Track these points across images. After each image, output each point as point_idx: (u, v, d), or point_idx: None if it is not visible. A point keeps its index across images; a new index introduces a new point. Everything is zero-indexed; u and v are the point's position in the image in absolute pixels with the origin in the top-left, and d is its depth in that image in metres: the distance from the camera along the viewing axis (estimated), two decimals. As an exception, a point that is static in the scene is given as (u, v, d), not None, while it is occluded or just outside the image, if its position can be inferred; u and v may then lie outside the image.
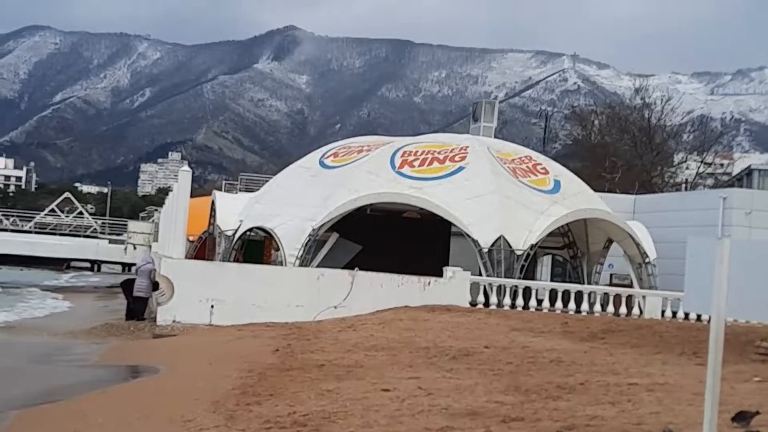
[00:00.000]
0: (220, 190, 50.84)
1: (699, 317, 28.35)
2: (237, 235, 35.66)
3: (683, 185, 78.42)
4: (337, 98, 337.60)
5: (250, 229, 35.87)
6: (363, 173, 34.47)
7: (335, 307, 29.23)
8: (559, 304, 31.90)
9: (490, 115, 45.16)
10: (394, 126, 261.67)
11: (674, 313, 30.80)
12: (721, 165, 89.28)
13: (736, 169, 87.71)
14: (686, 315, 30.29)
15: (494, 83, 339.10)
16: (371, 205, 34.33)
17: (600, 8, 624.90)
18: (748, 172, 74.73)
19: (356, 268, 30.39)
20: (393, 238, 35.86)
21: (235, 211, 36.77)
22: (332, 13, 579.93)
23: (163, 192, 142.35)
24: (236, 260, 35.36)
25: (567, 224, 35.72)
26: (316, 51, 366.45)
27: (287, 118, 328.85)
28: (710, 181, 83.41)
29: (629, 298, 32.84)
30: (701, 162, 79.93)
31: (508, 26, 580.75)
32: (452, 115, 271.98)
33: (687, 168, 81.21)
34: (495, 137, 43.77)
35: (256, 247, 38.49)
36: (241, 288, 29.54)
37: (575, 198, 35.58)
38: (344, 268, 31.56)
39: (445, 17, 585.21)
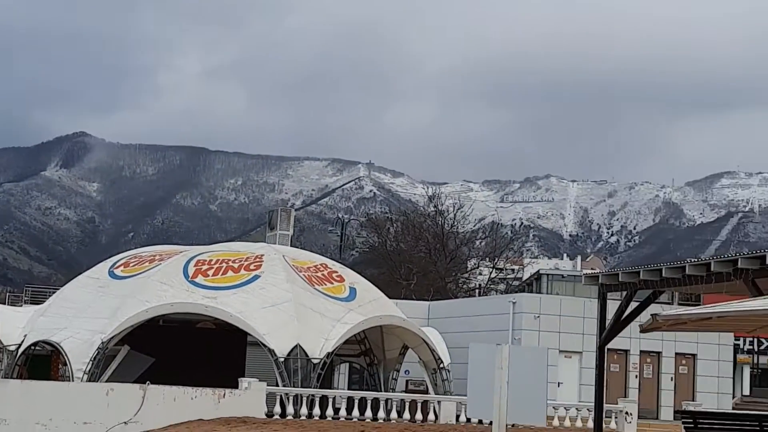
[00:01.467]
0: (3, 302, 48.81)
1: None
2: (21, 350, 34.05)
3: (476, 290, 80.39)
4: (129, 206, 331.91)
5: (35, 344, 34.31)
6: (155, 283, 33.70)
7: (126, 422, 28.16)
8: (356, 412, 31.75)
9: (286, 223, 45.26)
10: (189, 234, 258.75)
11: (468, 419, 31.11)
12: (512, 270, 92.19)
13: (526, 274, 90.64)
14: (470, 419, 30.59)
15: (291, 191, 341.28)
16: (163, 315, 33.54)
17: (394, 117, 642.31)
18: (537, 276, 77.34)
19: (147, 382, 29.47)
20: (187, 349, 35.07)
21: (18, 325, 35.15)
22: (124, 120, 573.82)
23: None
24: (20, 376, 33.68)
25: (363, 331, 35.82)
26: (107, 158, 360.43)
27: (77, 227, 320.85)
28: (502, 286, 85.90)
29: (425, 403, 33.03)
30: (493, 267, 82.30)
31: (304, 134, 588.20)
32: (249, 223, 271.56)
33: (480, 273, 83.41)
34: (292, 245, 43.84)
35: (41, 363, 36.81)
36: (25, 406, 28.10)
37: (370, 305, 35.79)
38: (136, 381, 30.54)
39: (241, 125, 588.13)
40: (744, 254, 22.54)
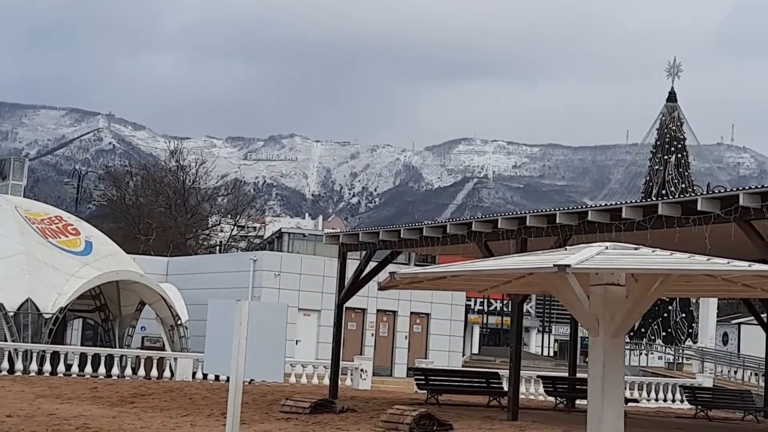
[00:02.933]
0: None
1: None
2: None
3: (217, 247, 79.91)
4: None
5: None
6: None
7: None
8: (89, 368, 30.98)
9: (20, 173, 43.55)
10: None
11: (205, 375, 30.98)
12: (254, 228, 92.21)
13: (268, 232, 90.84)
14: (207, 376, 30.48)
15: (25, 140, 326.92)
16: None
17: (136, 68, 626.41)
18: (279, 235, 77.65)
19: None
20: None
21: None
22: None
23: None
24: None
25: (99, 287, 34.92)
26: None
27: None
28: (243, 244, 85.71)
29: (161, 360, 32.62)
30: (234, 225, 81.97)
31: (42, 82, 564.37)
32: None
33: (221, 231, 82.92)
34: (25, 196, 42.14)
35: None
36: None
37: (107, 260, 34.93)
38: None
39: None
40: (478, 218, 23.46)
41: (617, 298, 8.49)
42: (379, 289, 9.50)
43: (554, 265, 7.76)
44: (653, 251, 8.54)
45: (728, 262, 8.16)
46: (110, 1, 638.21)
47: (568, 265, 7.71)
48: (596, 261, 8.09)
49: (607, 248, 8.49)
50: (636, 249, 8.62)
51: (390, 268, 25.02)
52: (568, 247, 9.05)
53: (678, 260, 8.32)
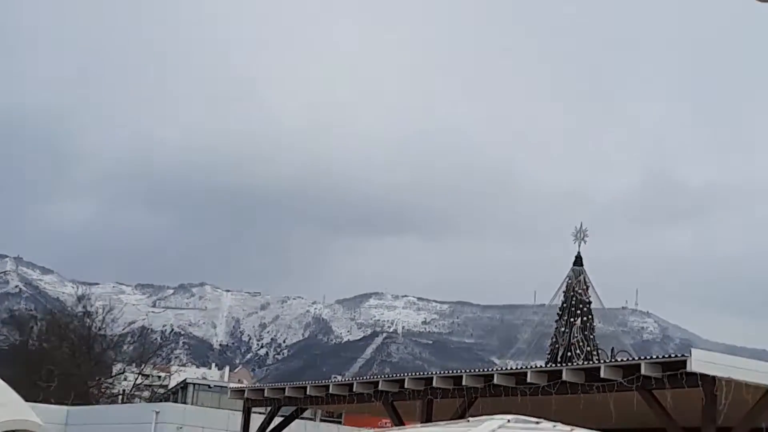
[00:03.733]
0: None
1: None
2: None
3: (120, 397, 78.18)
4: None
5: None
6: None
7: None
8: None
9: None
10: None
11: None
12: (159, 377, 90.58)
13: (173, 382, 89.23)
14: None
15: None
16: None
17: (47, 213, 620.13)
18: (184, 385, 76.32)
19: None
20: None
21: None
22: None
23: None
24: None
25: (-6, 436, 33.84)
26: None
27: None
28: (147, 393, 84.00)
29: None
30: (139, 374, 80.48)
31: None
32: None
33: (125, 379, 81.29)
34: None
35: None
36: None
37: (4, 408, 33.92)
38: None
39: None
40: (385, 377, 23.53)
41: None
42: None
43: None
44: (554, 426, 8.61)
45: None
46: (21, 146, 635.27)
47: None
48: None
49: (509, 421, 8.53)
50: (537, 423, 8.67)
51: (296, 423, 24.87)
52: (470, 419, 9.10)
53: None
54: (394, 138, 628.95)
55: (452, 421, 9.81)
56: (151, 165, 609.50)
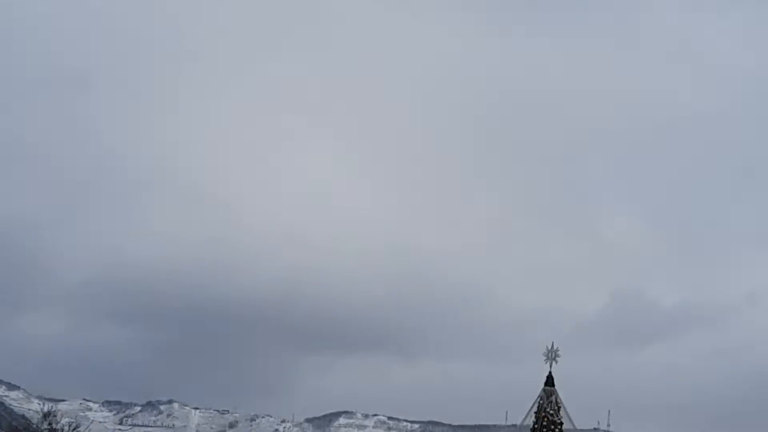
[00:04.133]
0: None
1: None
2: None
3: None
4: None
5: None
6: None
7: None
8: None
9: None
10: None
11: None
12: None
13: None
14: None
15: None
16: None
17: (13, 327, 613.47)
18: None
19: None
20: None
21: None
22: None
23: None
24: None
25: None
26: None
27: None
28: None
29: None
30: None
31: None
32: None
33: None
34: None
35: None
36: None
37: None
38: None
39: None
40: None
41: None
42: None
43: None
44: None
45: None
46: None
47: None
48: None
49: None
50: None
51: None
52: None
53: None
54: (365, 254, 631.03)
55: None
56: (120, 278, 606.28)
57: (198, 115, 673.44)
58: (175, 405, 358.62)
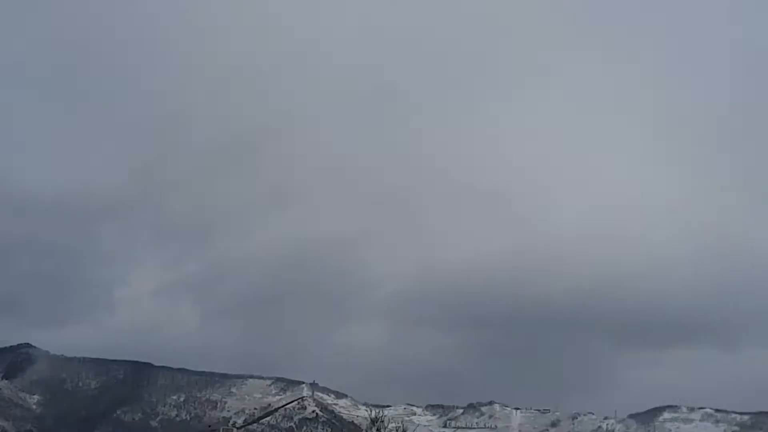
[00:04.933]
0: None
1: None
2: None
3: None
4: (69, 419, 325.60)
5: None
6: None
7: None
8: None
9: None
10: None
11: None
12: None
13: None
14: None
15: (233, 408, 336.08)
16: None
17: (340, 338, 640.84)
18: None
19: None
20: None
21: None
22: (73, 332, 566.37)
23: None
24: None
25: None
26: (50, 370, 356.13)
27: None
28: None
29: None
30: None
31: (251, 353, 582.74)
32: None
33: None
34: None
35: None
36: None
37: None
38: None
39: (189, 342, 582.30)
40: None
41: None
42: None
43: None
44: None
45: None
46: (315, 273, 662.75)
47: None
48: None
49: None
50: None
51: None
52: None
53: None
54: (681, 254, 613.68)
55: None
56: (437, 286, 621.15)
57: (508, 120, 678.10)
58: (496, 406, 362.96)
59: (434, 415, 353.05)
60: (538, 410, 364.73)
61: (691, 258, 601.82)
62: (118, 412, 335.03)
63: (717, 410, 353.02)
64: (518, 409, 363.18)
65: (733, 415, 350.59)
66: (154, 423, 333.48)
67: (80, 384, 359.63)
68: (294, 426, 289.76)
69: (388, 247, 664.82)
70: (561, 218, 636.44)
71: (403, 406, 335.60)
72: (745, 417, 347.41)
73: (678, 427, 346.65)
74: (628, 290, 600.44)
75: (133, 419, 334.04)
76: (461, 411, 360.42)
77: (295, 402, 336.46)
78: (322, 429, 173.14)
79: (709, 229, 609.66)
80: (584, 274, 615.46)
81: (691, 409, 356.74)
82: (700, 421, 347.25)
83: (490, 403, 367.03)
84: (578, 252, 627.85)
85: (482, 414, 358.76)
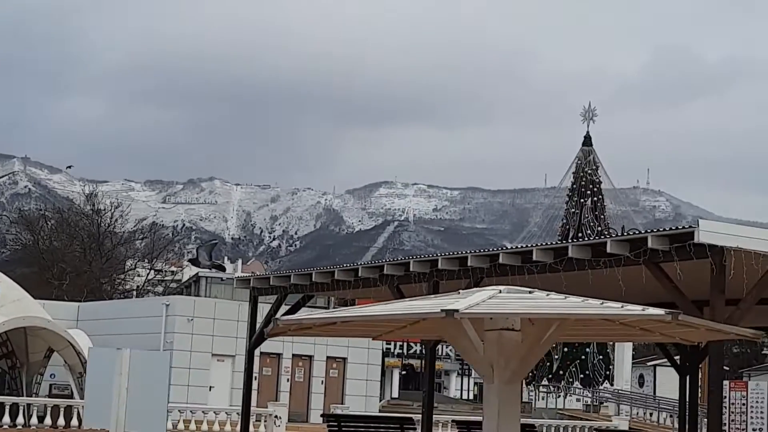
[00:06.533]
0: None
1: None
2: None
3: (133, 292, 78.61)
4: None
5: None
6: None
7: None
8: (-7, 418, 30.06)
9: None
10: None
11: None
12: (172, 272, 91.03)
13: (185, 276, 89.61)
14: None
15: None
16: None
17: (54, 112, 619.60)
18: (196, 279, 76.54)
19: None
20: None
21: None
22: None
23: None
24: None
25: (5, 333, 33.92)
26: None
27: None
28: (160, 288, 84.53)
29: (68, 408, 31.72)
30: (151, 269, 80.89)
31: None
32: None
33: (137, 275, 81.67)
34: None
35: None
36: None
37: (13, 305, 33.97)
38: None
39: None
40: (389, 261, 23.24)
41: (512, 344, 8.25)
42: (266, 337, 9.18)
43: (442, 310, 7.47)
44: (547, 294, 8.30)
45: (622, 306, 7.95)
46: (29, 44, 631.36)
47: (456, 310, 7.41)
48: (487, 305, 7.84)
49: (500, 292, 8.23)
50: (530, 293, 8.38)
51: (303, 311, 24.68)
52: (461, 291, 8.77)
53: (571, 304, 8.11)
54: (403, 24, 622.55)
55: (445, 294, 9.48)
56: (160, 60, 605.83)
57: None
58: (217, 182, 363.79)
59: (153, 190, 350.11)
60: (258, 186, 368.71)
61: (411, 30, 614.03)
62: None
63: (429, 186, 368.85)
64: (238, 184, 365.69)
65: (444, 190, 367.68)
66: None
67: None
68: (5, 201, 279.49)
69: (111, 13, 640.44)
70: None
71: (121, 182, 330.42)
72: (455, 192, 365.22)
73: (392, 202, 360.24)
74: (351, 70, 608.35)
75: None
76: (181, 186, 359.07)
77: (6, 177, 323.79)
78: (35, 204, 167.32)
79: None
80: (302, 51, 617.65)
81: (406, 185, 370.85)
82: (413, 196, 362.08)
83: (211, 178, 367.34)
84: (307, 25, 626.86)
85: (202, 189, 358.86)
